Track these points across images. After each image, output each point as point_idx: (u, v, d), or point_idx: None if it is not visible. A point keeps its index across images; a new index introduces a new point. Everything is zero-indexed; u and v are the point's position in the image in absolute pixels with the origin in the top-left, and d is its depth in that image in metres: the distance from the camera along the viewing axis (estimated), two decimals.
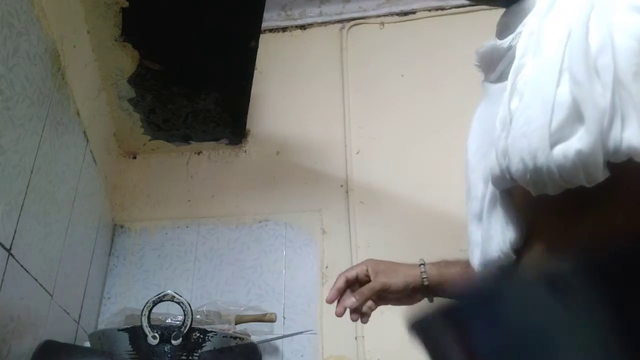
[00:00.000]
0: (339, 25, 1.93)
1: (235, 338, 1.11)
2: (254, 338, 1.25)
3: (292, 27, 1.96)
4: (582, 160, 0.37)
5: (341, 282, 0.89)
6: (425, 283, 0.88)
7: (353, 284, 0.91)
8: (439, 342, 0.36)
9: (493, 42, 0.55)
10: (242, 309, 1.37)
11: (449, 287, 0.86)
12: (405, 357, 1.36)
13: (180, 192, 1.65)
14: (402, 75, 1.79)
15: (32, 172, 0.96)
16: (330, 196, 1.60)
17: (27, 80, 0.93)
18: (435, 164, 1.61)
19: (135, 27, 1.25)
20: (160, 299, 1.02)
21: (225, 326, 1.31)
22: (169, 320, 1.22)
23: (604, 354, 0.29)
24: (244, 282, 1.47)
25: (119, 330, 1.04)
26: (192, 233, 1.56)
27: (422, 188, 1.57)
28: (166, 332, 1.00)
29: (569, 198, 0.40)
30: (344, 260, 1.48)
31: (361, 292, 0.90)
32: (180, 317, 1.06)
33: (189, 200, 1.64)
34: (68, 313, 1.20)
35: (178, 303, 1.02)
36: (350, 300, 0.89)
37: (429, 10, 1.91)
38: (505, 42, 0.53)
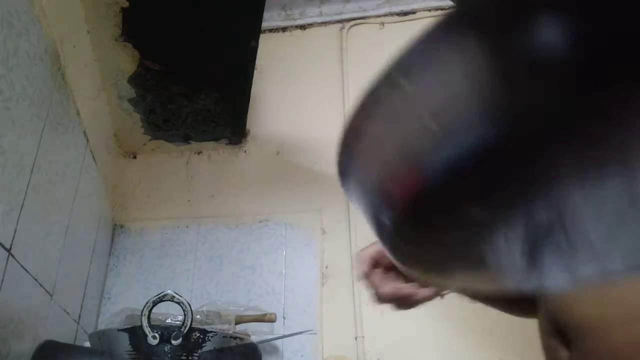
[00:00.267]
0: (339, 25, 1.93)
1: (235, 338, 1.11)
2: (254, 338, 1.25)
3: (292, 27, 1.96)
4: None
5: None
6: None
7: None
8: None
9: None
10: (242, 309, 1.37)
11: None
12: (405, 357, 1.37)
13: (180, 192, 1.65)
14: None
15: (32, 172, 0.96)
16: (330, 196, 1.59)
17: (27, 80, 0.93)
18: None
19: (135, 27, 1.25)
20: (160, 299, 1.02)
21: (225, 326, 1.31)
22: (169, 320, 1.22)
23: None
24: (244, 282, 1.47)
25: (119, 330, 1.04)
26: (192, 233, 1.56)
27: None
28: (166, 332, 1.00)
29: None
30: (344, 260, 1.49)
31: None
32: (180, 317, 1.06)
33: (189, 200, 1.64)
34: (68, 313, 1.20)
35: (178, 303, 1.02)
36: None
37: (429, 10, 1.91)
38: None
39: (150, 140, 1.65)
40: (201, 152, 1.72)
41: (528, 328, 1.39)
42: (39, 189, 0.99)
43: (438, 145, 0.20)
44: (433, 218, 0.25)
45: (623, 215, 0.24)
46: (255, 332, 1.33)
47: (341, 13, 1.94)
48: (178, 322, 1.10)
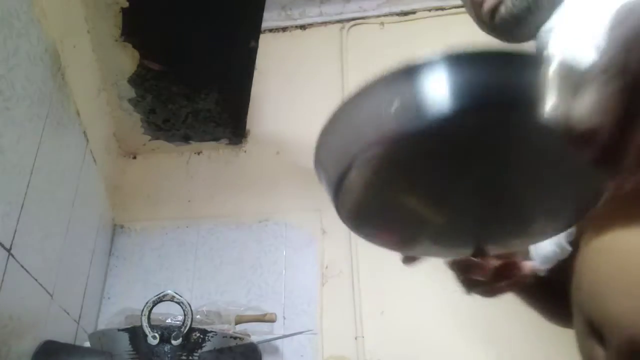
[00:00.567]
0: (339, 25, 1.92)
1: (235, 338, 1.11)
2: (254, 338, 1.25)
3: (292, 27, 1.96)
4: None
5: None
6: None
7: None
8: None
9: None
10: (242, 309, 1.37)
11: None
12: (405, 357, 1.37)
13: (180, 192, 1.65)
14: None
15: (32, 172, 0.96)
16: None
17: (27, 80, 0.93)
18: None
19: (135, 27, 1.25)
20: (160, 299, 1.02)
21: (225, 326, 1.31)
22: (169, 320, 1.22)
23: None
24: (244, 282, 1.47)
25: (119, 330, 1.04)
26: (192, 233, 1.56)
27: None
28: (166, 332, 1.00)
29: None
30: (344, 260, 1.49)
31: None
32: (180, 317, 1.06)
33: (189, 200, 1.64)
34: (68, 313, 1.20)
35: (178, 303, 1.02)
36: None
37: (429, 10, 1.91)
38: None
39: (150, 140, 1.65)
40: (201, 152, 1.72)
41: (527, 328, 1.40)
42: (39, 189, 0.99)
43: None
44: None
45: None
46: (255, 332, 1.33)
47: (341, 13, 1.94)
48: (178, 322, 1.10)
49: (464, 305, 1.39)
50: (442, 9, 1.91)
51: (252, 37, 1.29)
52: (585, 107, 0.30)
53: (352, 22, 1.92)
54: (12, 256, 0.89)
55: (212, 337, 1.04)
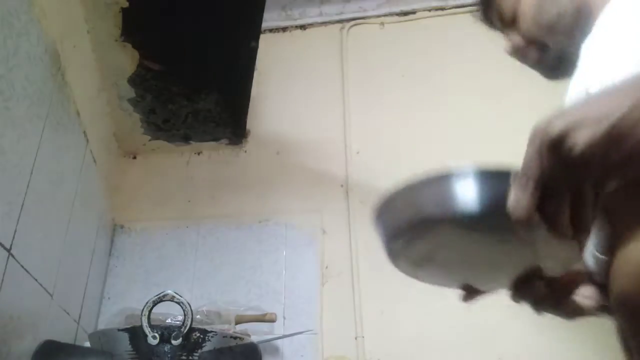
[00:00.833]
0: (339, 25, 1.92)
1: (235, 338, 1.11)
2: (254, 338, 1.25)
3: (292, 27, 1.96)
4: None
5: None
6: None
7: None
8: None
9: None
10: (242, 309, 1.37)
11: None
12: (405, 357, 1.37)
13: (180, 192, 1.65)
14: (402, 76, 1.79)
15: (32, 172, 0.96)
16: (330, 196, 1.59)
17: (27, 80, 0.93)
18: (435, 164, 1.61)
19: (135, 27, 1.25)
20: (160, 299, 1.02)
21: (225, 326, 1.31)
22: (169, 320, 1.22)
23: None
24: (244, 282, 1.47)
25: (119, 330, 1.04)
26: (192, 233, 1.56)
27: None
28: (166, 332, 1.00)
29: None
30: (344, 260, 1.49)
31: None
32: (180, 317, 1.06)
33: (189, 201, 1.63)
34: (68, 313, 1.20)
35: (178, 303, 1.02)
36: None
37: (429, 10, 1.91)
38: None
39: (150, 140, 1.65)
40: (201, 152, 1.72)
41: (527, 328, 1.40)
42: (39, 189, 0.99)
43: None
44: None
45: None
46: (255, 332, 1.33)
47: (341, 13, 1.94)
48: (178, 322, 1.10)
49: (464, 306, 1.39)
50: (442, 9, 1.91)
51: (252, 37, 1.29)
52: (510, 203, 0.42)
53: (352, 22, 1.92)
54: (12, 256, 0.89)
55: (212, 337, 1.04)
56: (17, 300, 0.92)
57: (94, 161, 1.36)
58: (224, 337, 1.08)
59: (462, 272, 0.59)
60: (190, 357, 1.00)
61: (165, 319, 1.23)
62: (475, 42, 1.83)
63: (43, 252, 1.04)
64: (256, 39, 1.30)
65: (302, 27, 1.95)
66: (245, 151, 1.71)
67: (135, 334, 1.01)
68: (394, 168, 1.62)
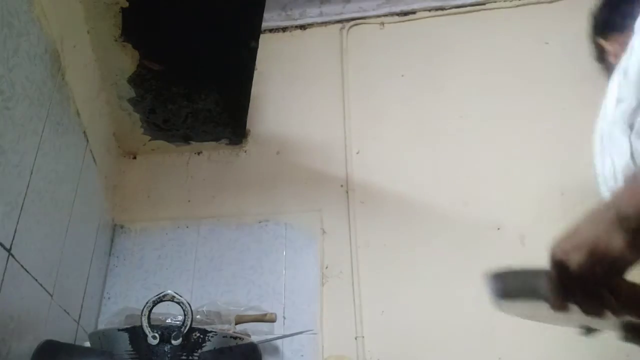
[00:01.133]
0: (339, 25, 1.92)
1: (235, 338, 1.11)
2: (254, 338, 1.25)
3: (292, 27, 1.96)
4: None
5: None
6: None
7: None
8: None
9: None
10: (242, 309, 1.37)
11: None
12: (405, 357, 1.37)
13: (180, 192, 1.65)
14: (402, 76, 1.79)
15: (32, 172, 0.96)
16: (330, 196, 1.60)
17: (27, 80, 0.93)
18: (435, 164, 1.61)
19: (135, 27, 1.25)
20: (160, 299, 1.02)
21: (225, 326, 1.31)
22: (169, 320, 1.22)
23: None
24: (244, 282, 1.47)
25: (119, 330, 1.04)
26: (192, 233, 1.56)
27: (422, 188, 1.57)
28: (166, 332, 0.99)
29: None
30: (344, 260, 1.49)
31: None
32: (180, 317, 1.06)
33: (189, 201, 1.64)
34: (68, 313, 1.20)
35: (178, 303, 1.02)
36: None
37: (429, 10, 1.91)
38: None
39: (150, 140, 1.65)
40: (201, 152, 1.72)
41: (527, 328, 1.39)
42: (39, 189, 0.99)
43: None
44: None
45: None
46: (255, 332, 1.33)
47: (341, 13, 1.94)
48: (178, 322, 1.10)
49: (464, 305, 1.39)
50: (442, 9, 1.91)
51: (252, 37, 1.29)
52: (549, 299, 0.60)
53: (352, 22, 1.92)
54: (12, 256, 0.89)
55: (212, 337, 1.04)
56: (17, 300, 0.92)
57: (94, 161, 1.36)
58: (224, 337, 1.08)
59: (571, 318, 0.67)
60: (190, 357, 1.00)
61: (165, 319, 1.22)
62: (475, 42, 1.83)
63: (43, 252, 1.04)
64: (256, 39, 1.30)
65: (302, 27, 1.95)
66: (245, 151, 1.71)
67: (135, 334, 1.00)
68: (394, 168, 1.63)
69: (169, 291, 1.03)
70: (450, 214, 1.52)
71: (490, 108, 1.68)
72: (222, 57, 1.35)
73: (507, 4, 1.88)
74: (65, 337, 1.14)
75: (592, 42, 1.11)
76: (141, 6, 1.19)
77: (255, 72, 1.42)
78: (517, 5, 1.87)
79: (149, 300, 1.01)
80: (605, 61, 1.07)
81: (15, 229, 0.90)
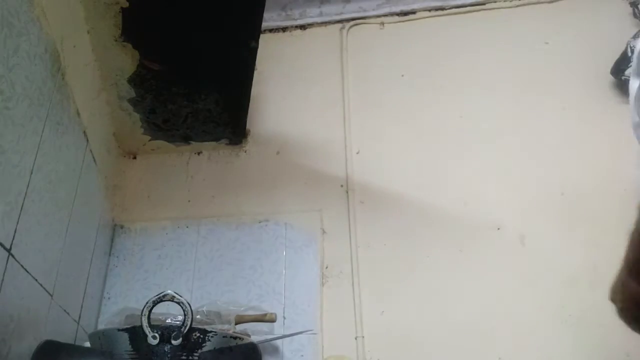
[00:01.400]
0: (339, 25, 1.93)
1: (235, 338, 1.11)
2: (254, 338, 1.25)
3: (292, 27, 1.96)
4: None
5: None
6: None
7: None
8: None
9: None
10: (242, 309, 1.37)
11: None
12: (405, 357, 1.37)
13: (180, 192, 1.65)
14: (402, 75, 1.79)
15: (32, 172, 0.96)
16: (330, 196, 1.59)
17: (27, 80, 0.93)
18: (435, 164, 1.61)
19: (135, 27, 1.25)
20: (160, 299, 1.02)
21: (225, 326, 1.31)
22: (169, 320, 1.22)
23: None
24: (244, 282, 1.47)
25: (119, 330, 1.04)
26: (192, 233, 1.56)
27: (422, 188, 1.57)
28: (166, 332, 0.99)
29: None
30: (344, 260, 1.49)
31: None
32: (180, 317, 1.06)
33: (189, 200, 1.64)
34: (68, 313, 1.20)
35: (178, 303, 1.02)
36: None
37: (429, 10, 1.91)
38: None
39: (150, 140, 1.65)
40: (201, 152, 1.72)
41: (527, 328, 1.39)
42: (39, 189, 0.99)
43: None
44: None
45: None
46: (255, 332, 1.33)
47: (341, 13, 1.94)
48: (178, 322, 1.10)
49: (464, 305, 1.39)
50: (442, 9, 1.91)
51: (252, 37, 1.29)
52: None
53: (352, 22, 1.92)
54: (12, 256, 0.89)
55: (212, 337, 1.04)
56: (17, 300, 0.92)
57: (94, 161, 1.36)
58: (224, 337, 1.08)
59: None
60: (190, 357, 1.00)
61: (165, 319, 1.23)
62: (475, 42, 1.83)
63: (43, 252, 1.04)
64: (256, 39, 1.30)
65: (302, 27, 1.95)
66: (245, 151, 1.71)
67: (135, 334, 1.00)
68: (394, 168, 1.63)
69: (169, 291, 1.03)
70: (450, 214, 1.52)
71: (490, 108, 1.68)
72: (222, 57, 1.35)
73: (507, 4, 1.88)
74: (65, 337, 1.14)
75: None
76: (141, 6, 1.19)
77: (255, 72, 1.42)
78: (517, 5, 1.87)
79: (149, 300, 1.01)
80: None
81: (15, 229, 0.90)
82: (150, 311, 1.00)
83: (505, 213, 1.50)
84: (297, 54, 1.89)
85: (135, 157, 1.72)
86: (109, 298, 1.47)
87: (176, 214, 1.60)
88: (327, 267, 1.49)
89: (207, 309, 1.36)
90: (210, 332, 1.05)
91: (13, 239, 0.89)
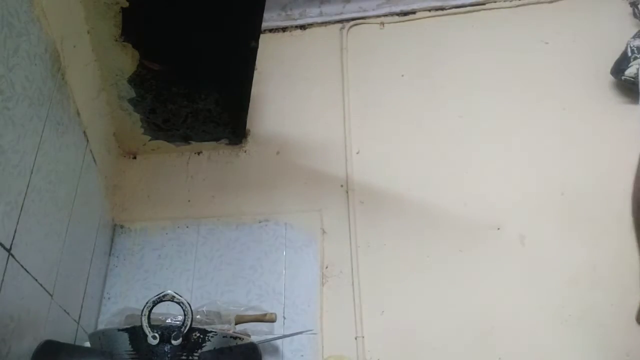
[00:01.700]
0: (339, 25, 1.93)
1: (235, 338, 1.11)
2: (254, 338, 1.25)
3: (292, 27, 1.96)
4: None
5: None
6: None
7: None
8: None
9: None
10: (242, 309, 1.37)
11: None
12: (405, 357, 1.37)
13: (180, 192, 1.65)
14: (402, 75, 1.79)
15: (32, 172, 0.96)
16: (330, 196, 1.60)
17: (27, 80, 0.93)
18: (435, 164, 1.61)
19: (135, 27, 1.25)
20: (160, 299, 1.02)
21: (225, 326, 1.31)
22: (169, 320, 1.22)
23: None
24: (244, 282, 1.47)
25: (119, 330, 1.04)
26: (192, 233, 1.56)
27: (422, 188, 1.57)
28: (166, 332, 0.99)
29: None
30: (344, 260, 1.49)
31: None
32: (180, 317, 1.06)
33: (189, 200, 1.64)
34: (68, 313, 1.20)
35: (178, 303, 1.02)
36: None
37: (429, 10, 1.91)
38: None
39: (150, 140, 1.65)
40: (201, 152, 1.72)
41: (527, 328, 1.39)
42: (39, 189, 0.99)
43: None
44: None
45: None
46: (255, 332, 1.33)
47: (341, 13, 1.94)
48: (178, 322, 1.10)
49: (464, 305, 1.39)
50: (442, 9, 1.91)
51: (252, 37, 1.29)
52: None
53: (352, 22, 1.92)
54: (12, 256, 0.89)
55: (212, 337, 1.04)
56: (17, 300, 0.92)
57: (94, 161, 1.36)
58: (224, 337, 1.08)
59: None
60: (190, 357, 1.00)
61: (165, 319, 1.23)
62: (475, 42, 1.83)
63: (43, 252, 1.04)
64: (256, 39, 1.30)
65: (302, 27, 1.95)
66: (245, 151, 1.71)
67: (135, 334, 1.00)
68: (394, 168, 1.63)
69: (169, 291, 1.03)
70: (450, 214, 1.52)
71: (490, 108, 1.69)
72: (222, 57, 1.35)
73: (507, 4, 1.88)
74: (65, 337, 1.14)
75: None
76: (141, 6, 1.19)
77: (255, 72, 1.42)
78: (517, 5, 1.87)
79: (149, 300, 1.01)
80: None
81: (15, 229, 0.90)
82: (150, 311, 1.00)
83: (505, 213, 1.50)
84: (297, 54, 1.89)
85: (135, 157, 1.72)
86: (109, 298, 1.47)
87: (176, 214, 1.60)
88: (327, 267, 1.49)
89: (207, 309, 1.36)
90: (210, 332, 1.05)
91: (13, 239, 0.89)
